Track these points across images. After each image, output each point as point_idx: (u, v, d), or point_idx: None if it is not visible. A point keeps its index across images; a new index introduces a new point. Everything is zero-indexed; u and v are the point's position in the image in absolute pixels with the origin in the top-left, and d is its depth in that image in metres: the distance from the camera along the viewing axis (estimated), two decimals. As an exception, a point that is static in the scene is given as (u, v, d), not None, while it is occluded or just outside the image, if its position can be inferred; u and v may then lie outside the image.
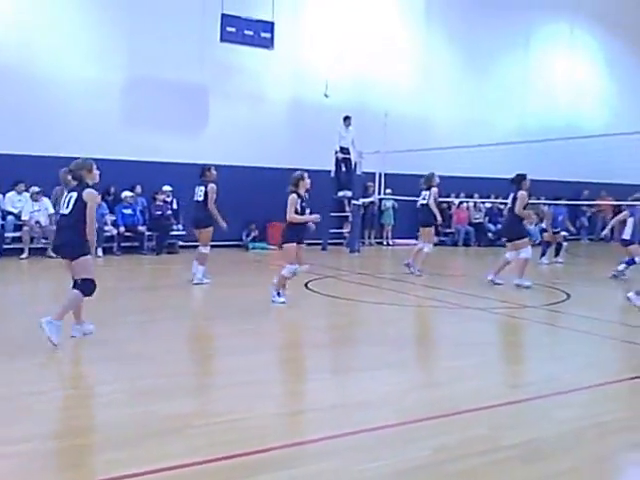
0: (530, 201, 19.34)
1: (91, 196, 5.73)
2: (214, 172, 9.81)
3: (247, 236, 15.69)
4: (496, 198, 18.83)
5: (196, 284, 9.59)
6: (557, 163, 17.96)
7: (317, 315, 7.84)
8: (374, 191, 16.13)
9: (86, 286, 5.70)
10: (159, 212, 14.06)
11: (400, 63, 18.26)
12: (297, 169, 15.95)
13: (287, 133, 16.47)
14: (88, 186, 5.80)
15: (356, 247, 15.70)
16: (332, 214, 16.57)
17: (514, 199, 10.38)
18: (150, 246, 13.90)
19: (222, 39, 14.51)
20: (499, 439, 3.92)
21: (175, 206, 14.61)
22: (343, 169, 16.10)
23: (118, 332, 6.45)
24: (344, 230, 17.05)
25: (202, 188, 9.62)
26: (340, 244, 16.62)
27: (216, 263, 10.24)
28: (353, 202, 16.01)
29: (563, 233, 14.56)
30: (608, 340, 6.84)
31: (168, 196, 14.43)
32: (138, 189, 14.14)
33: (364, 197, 16.44)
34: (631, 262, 11.41)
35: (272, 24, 14.87)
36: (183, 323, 7.19)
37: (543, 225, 15.17)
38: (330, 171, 16.06)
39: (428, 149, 15.48)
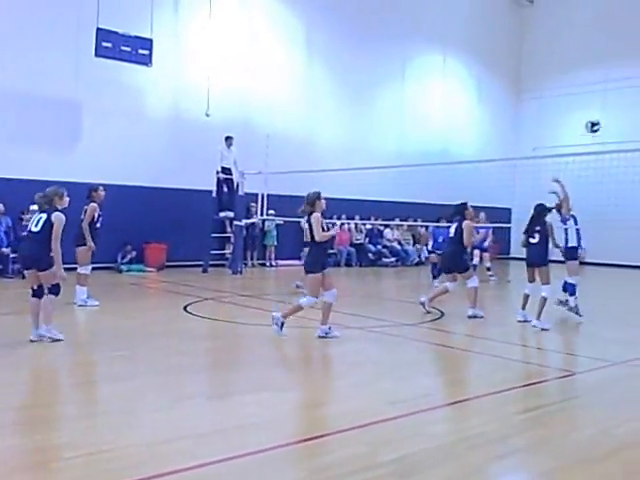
0: (410, 223, 20.13)
1: (58, 219, 6.73)
2: (102, 193, 9.76)
3: (122, 258, 15.10)
4: (376, 220, 19.44)
5: (80, 306, 9.37)
6: (435, 187, 18.86)
7: (196, 339, 7.62)
8: (256, 212, 16.09)
9: (56, 289, 6.85)
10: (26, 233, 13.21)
11: (282, 85, 18.47)
12: (177, 189, 16.00)
13: (167, 152, 16.11)
14: (57, 210, 6.84)
15: (238, 268, 15.54)
16: (213, 235, 16.34)
17: (459, 230, 9.73)
18: (16, 269, 13.01)
19: (97, 54, 13.98)
20: (376, 456, 3.96)
21: (45, 226, 13.79)
22: (225, 189, 15.96)
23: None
24: (226, 251, 16.85)
25: (85, 207, 9.60)
26: (222, 265, 16.39)
27: (89, 286, 9.74)
28: (235, 223, 15.87)
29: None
30: (478, 355, 7.16)
31: (36, 215, 13.60)
32: (1, 207, 13.25)
33: (246, 218, 16.37)
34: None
35: (151, 41, 14.55)
36: (52, 350, 6.73)
37: (429, 247, 15.00)
38: (211, 191, 15.87)
39: (310, 171, 15.71)
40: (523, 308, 9.29)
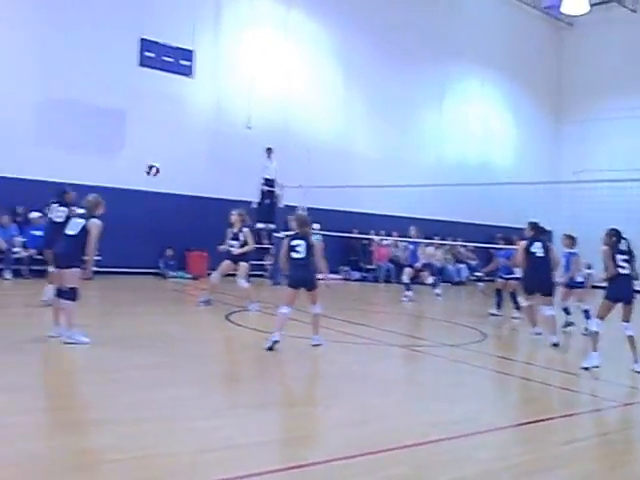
0: (455, 243, 19.90)
1: (94, 225, 6.98)
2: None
3: (165, 264, 15.28)
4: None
5: None
6: (473, 206, 18.73)
7: (238, 348, 7.65)
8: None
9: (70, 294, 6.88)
10: (70, 235, 13.53)
11: (322, 100, 18.61)
12: (217, 199, 16.14)
13: (208, 162, 16.33)
14: (94, 217, 7.06)
15: (279, 279, 15.58)
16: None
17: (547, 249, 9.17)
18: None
19: (141, 64, 14.28)
20: (420, 479, 3.90)
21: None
22: (267, 201, 16.08)
23: (18, 358, 6.07)
24: (265, 262, 16.95)
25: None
26: (260, 276, 16.47)
27: (129, 291, 9.84)
28: (275, 235, 15.96)
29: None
30: (523, 381, 7.02)
31: (80, 218, 13.90)
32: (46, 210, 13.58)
33: (286, 230, 16.42)
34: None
35: (192, 52, 14.81)
36: (89, 353, 6.79)
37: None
38: (251, 202, 15.99)
39: (350, 186, 15.73)
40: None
